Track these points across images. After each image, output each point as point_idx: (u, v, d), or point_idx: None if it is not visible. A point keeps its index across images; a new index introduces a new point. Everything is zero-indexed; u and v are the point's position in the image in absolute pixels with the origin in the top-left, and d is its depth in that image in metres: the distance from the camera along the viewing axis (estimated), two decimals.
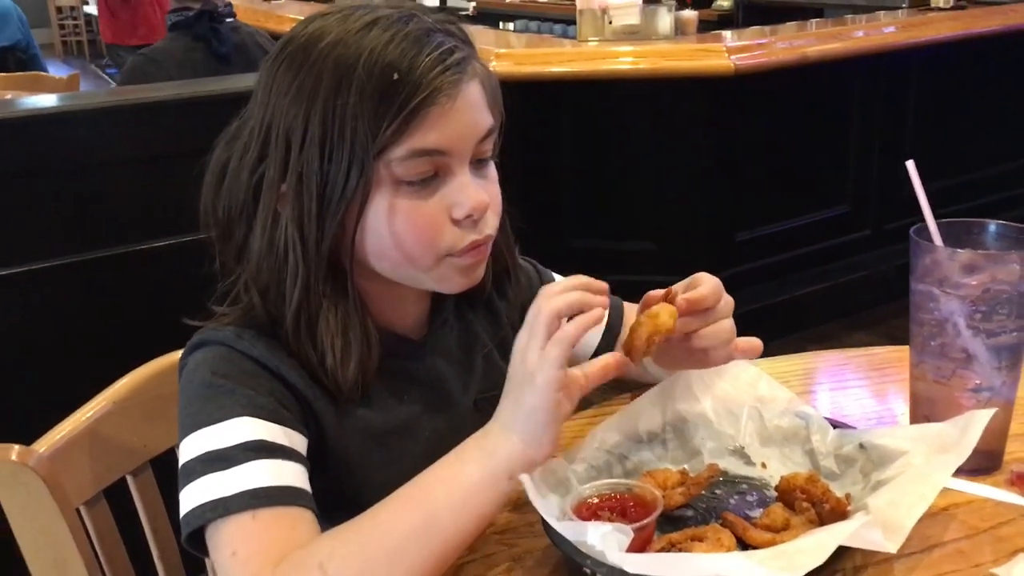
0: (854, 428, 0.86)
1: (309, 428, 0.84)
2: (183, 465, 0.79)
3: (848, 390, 1.09)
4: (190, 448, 0.79)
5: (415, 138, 0.79)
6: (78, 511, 0.95)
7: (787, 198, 3.35)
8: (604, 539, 0.69)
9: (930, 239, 0.86)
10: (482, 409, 0.96)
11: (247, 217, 0.84)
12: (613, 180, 3.15)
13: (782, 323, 3.28)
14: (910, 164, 0.88)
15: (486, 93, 0.84)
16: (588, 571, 0.71)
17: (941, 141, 3.57)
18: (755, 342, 0.91)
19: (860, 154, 3.46)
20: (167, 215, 1.76)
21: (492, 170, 0.87)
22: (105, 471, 1.01)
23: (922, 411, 0.88)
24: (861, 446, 0.83)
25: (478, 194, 0.82)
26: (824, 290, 3.39)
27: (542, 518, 0.73)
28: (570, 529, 0.71)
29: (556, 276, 1.08)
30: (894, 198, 3.57)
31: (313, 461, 0.83)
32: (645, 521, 0.73)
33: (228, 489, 0.75)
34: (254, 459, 0.77)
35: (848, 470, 0.83)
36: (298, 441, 0.81)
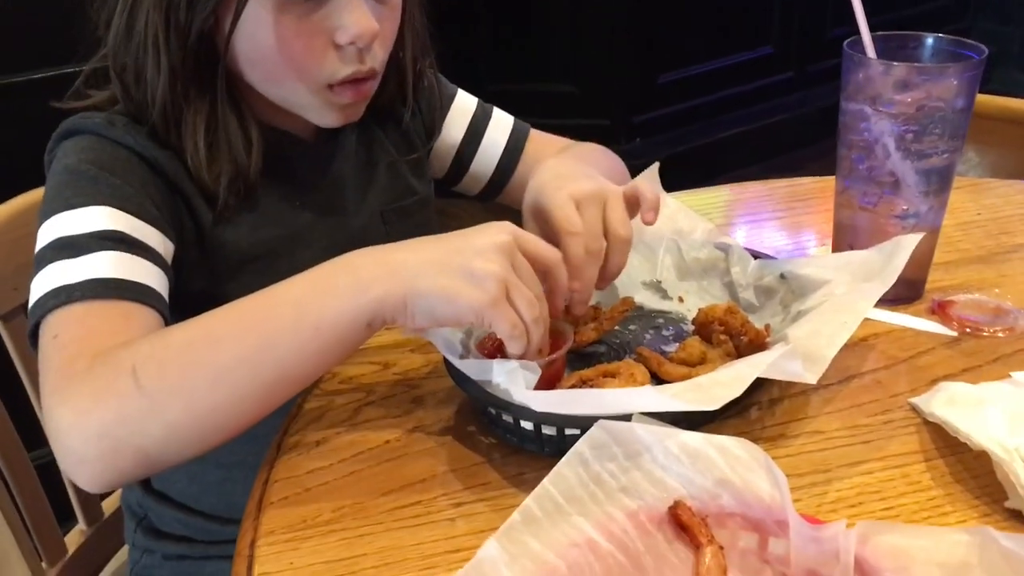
0: (775, 258, 0.81)
1: (185, 227, 0.77)
2: (35, 253, 0.71)
3: (767, 222, 1.04)
4: (43, 235, 0.71)
5: None
6: None
7: (709, 39, 3.25)
8: (510, 376, 0.63)
9: (864, 52, 0.79)
10: (389, 222, 0.90)
11: None
12: (531, 19, 3.01)
13: (703, 167, 3.25)
14: None
15: None
16: (492, 411, 0.66)
17: None
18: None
19: None
20: (34, 44, 1.59)
21: None
22: None
23: (846, 239, 0.84)
24: (782, 276, 0.78)
25: (366, 20, 0.73)
26: (746, 133, 3.36)
27: (444, 356, 0.68)
28: (473, 367, 0.66)
29: (460, 90, 0.99)
30: (817, 40, 3.51)
31: (193, 261, 0.77)
32: (553, 356, 0.68)
33: (73, 277, 0.67)
34: (107, 249, 0.69)
35: (768, 302, 0.79)
36: (160, 243, 0.73)
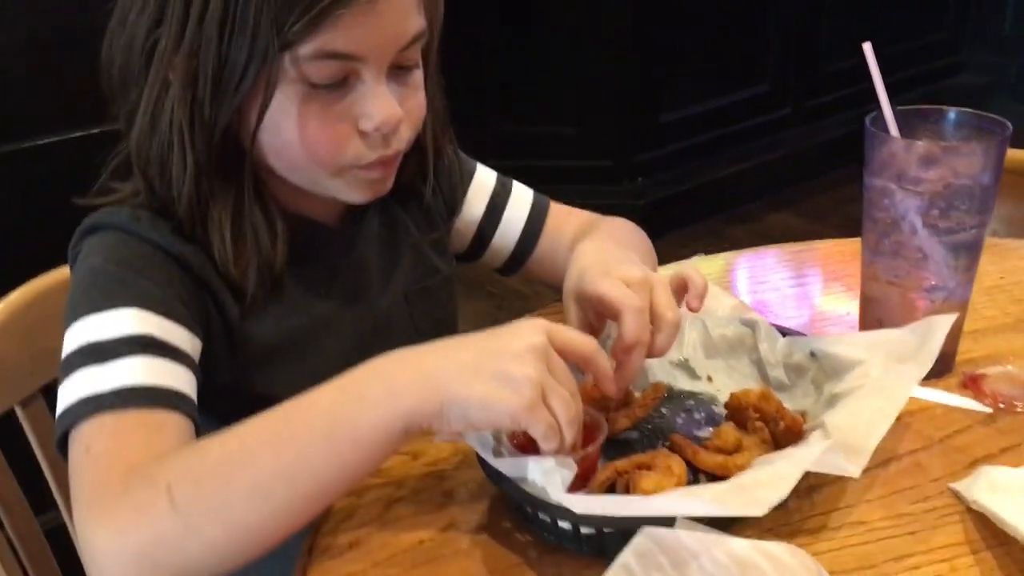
0: (804, 335, 0.80)
1: (212, 322, 0.76)
2: (63, 358, 0.70)
3: (782, 291, 1.03)
4: (71, 340, 0.70)
5: (324, 39, 0.68)
6: None
7: (708, 78, 3.27)
8: (546, 476, 0.62)
9: (886, 129, 0.79)
10: (413, 303, 0.89)
11: (139, 82, 0.74)
12: (533, 63, 3.03)
13: (705, 204, 3.26)
14: (867, 47, 0.80)
15: None
16: (529, 510, 0.65)
17: (859, 17, 3.50)
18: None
19: (780, 32, 3.39)
20: (63, 105, 1.58)
21: (416, 77, 0.77)
22: None
23: (874, 313, 0.83)
24: (812, 354, 0.78)
25: (390, 107, 0.73)
26: (747, 170, 3.36)
27: (477, 454, 0.67)
28: (508, 465, 0.65)
29: (479, 166, 0.99)
30: (813, 76, 3.53)
31: (220, 355, 0.76)
32: (589, 449, 0.67)
33: (103, 385, 0.66)
34: (136, 354, 0.68)
35: (799, 381, 0.78)
36: (188, 342, 0.72)
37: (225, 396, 0.76)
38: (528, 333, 0.62)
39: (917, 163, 0.77)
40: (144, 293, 0.71)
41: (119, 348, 0.68)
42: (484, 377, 0.60)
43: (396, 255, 0.90)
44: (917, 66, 3.76)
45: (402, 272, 0.89)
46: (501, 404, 0.59)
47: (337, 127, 0.73)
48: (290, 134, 0.73)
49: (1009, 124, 0.76)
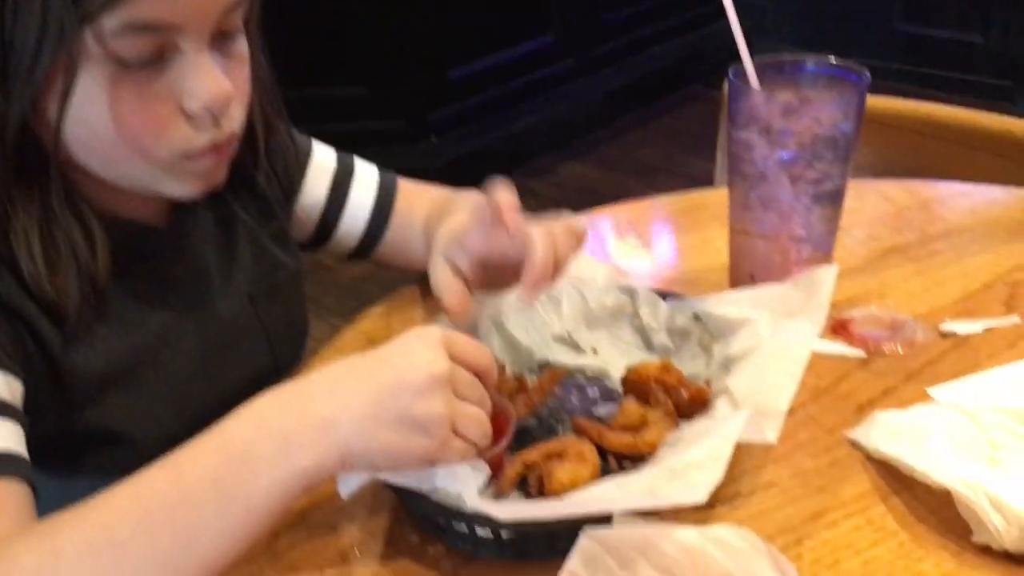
0: (684, 297, 0.79)
1: (31, 356, 0.64)
2: None
3: (634, 250, 1.02)
4: None
5: (132, 8, 0.57)
6: None
7: (494, 32, 3.25)
8: (460, 483, 0.57)
9: (747, 82, 0.78)
10: (259, 304, 0.80)
11: None
12: (317, 23, 2.88)
13: (501, 159, 3.25)
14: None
15: None
16: (442, 522, 0.60)
17: None
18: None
19: None
20: None
21: (241, 46, 0.67)
22: None
23: (745, 267, 0.83)
24: (696, 317, 0.76)
25: (217, 82, 0.63)
26: (537, 123, 3.39)
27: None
28: (413, 478, 0.58)
29: (316, 143, 0.90)
30: (594, 26, 3.60)
31: (45, 394, 0.65)
32: (500, 446, 0.62)
33: None
34: None
35: (684, 344, 0.76)
36: (6, 387, 0.61)
37: (55, 440, 0.65)
38: (427, 360, 0.56)
39: (780, 115, 0.76)
40: None
41: None
42: (388, 424, 0.54)
43: (234, 253, 0.79)
44: (688, 11, 3.91)
45: (243, 271, 0.80)
46: (411, 450, 0.55)
47: (157, 110, 0.62)
48: (102, 124, 0.61)
49: (867, 72, 0.77)
